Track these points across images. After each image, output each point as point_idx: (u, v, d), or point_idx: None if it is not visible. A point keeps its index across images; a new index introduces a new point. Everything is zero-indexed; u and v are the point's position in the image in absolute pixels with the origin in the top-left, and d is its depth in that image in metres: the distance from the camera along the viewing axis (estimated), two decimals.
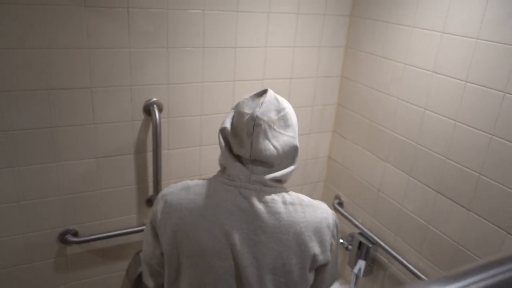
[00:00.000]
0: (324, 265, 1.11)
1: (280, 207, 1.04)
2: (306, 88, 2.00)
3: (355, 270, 2.01)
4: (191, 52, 1.67)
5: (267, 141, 1.03)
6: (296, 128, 1.12)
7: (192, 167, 1.86)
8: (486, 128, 1.39)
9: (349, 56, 2.01)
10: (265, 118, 1.03)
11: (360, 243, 1.96)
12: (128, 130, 1.67)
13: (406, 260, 1.75)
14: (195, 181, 1.12)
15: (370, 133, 1.93)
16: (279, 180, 1.08)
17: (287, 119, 1.08)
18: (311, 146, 2.14)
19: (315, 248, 1.05)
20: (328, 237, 1.08)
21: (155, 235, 1.11)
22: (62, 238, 1.69)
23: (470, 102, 1.44)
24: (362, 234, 1.99)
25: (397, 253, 1.79)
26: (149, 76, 1.63)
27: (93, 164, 1.65)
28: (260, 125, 1.02)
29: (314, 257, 1.06)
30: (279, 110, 1.07)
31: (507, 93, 1.32)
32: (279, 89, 1.92)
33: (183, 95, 1.72)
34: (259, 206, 1.03)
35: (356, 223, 2.02)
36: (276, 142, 1.05)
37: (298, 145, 1.11)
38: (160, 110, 1.68)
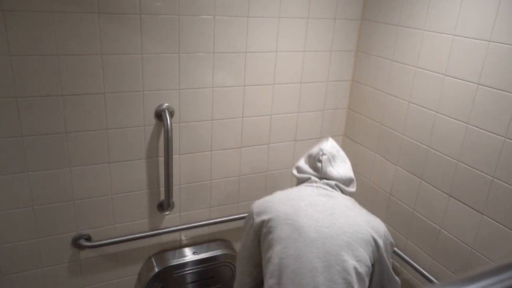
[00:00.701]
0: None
1: (346, 204, 1.40)
2: (316, 92, 2.00)
3: None
4: (202, 58, 1.69)
5: (330, 167, 1.46)
6: (351, 167, 1.53)
7: (203, 172, 1.87)
8: (499, 131, 1.38)
9: (360, 60, 2.01)
10: (329, 151, 1.47)
11: None
12: (140, 135, 1.69)
13: (418, 265, 1.73)
14: (287, 189, 1.49)
15: (381, 136, 1.92)
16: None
17: (344, 157, 1.52)
18: None
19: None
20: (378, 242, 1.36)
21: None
22: (76, 243, 1.70)
23: (483, 105, 1.43)
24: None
25: (409, 257, 1.78)
26: (161, 82, 1.65)
27: (106, 169, 1.67)
28: (325, 154, 1.46)
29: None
30: (338, 150, 1.52)
31: None
32: (289, 94, 1.93)
33: (194, 100, 1.74)
34: (328, 199, 1.40)
35: None
36: (338, 169, 1.46)
37: (353, 177, 1.51)
38: (171, 115, 1.69)
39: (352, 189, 1.50)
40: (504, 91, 1.35)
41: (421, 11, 1.64)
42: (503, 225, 1.40)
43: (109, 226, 1.75)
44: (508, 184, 1.37)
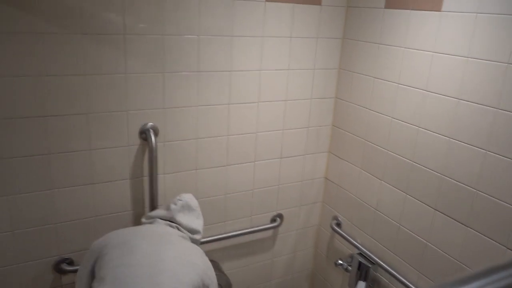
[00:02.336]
0: None
1: None
2: (301, 110, 2.02)
3: None
4: (187, 77, 1.69)
5: (181, 214, 1.58)
6: (202, 225, 1.64)
7: (188, 191, 1.85)
8: (481, 144, 1.41)
9: (343, 78, 2.04)
10: (187, 200, 1.60)
11: (360, 263, 1.95)
12: (124, 155, 1.66)
13: (406, 279, 1.73)
14: None
15: (365, 152, 1.94)
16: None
17: (199, 215, 1.64)
18: (307, 167, 2.15)
19: None
20: None
21: None
22: (57, 267, 1.65)
23: (464, 119, 1.46)
24: (361, 254, 1.98)
25: (397, 272, 1.78)
26: (145, 101, 1.64)
27: (89, 190, 1.63)
28: (182, 200, 1.59)
29: None
30: (196, 206, 1.64)
31: (500, 109, 1.34)
32: (274, 112, 1.94)
33: (179, 119, 1.73)
34: None
35: (355, 243, 2.01)
36: (188, 218, 1.59)
37: (201, 231, 1.62)
38: (156, 135, 1.68)
39: (197, 236, 1.58)
40: (483, 105, 1.39)
41: (401, 29, 1.69)
42: (488, 237, 1.41)
43: None
44: (491, 196, 1.39)
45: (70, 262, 1.67)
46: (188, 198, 1.61)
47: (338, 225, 2.16)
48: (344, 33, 2.00)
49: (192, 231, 1.57)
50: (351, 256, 2.04)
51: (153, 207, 1.70)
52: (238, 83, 1.81)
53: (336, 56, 2.02)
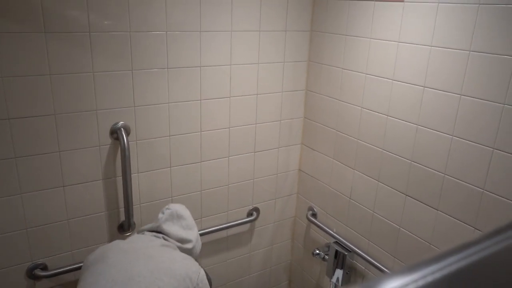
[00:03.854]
0: None
1: None
2: (272, 103, 2.03)
3: (334, 279, 2.02)
4: (156, 73, 1.67)
5: (170, 222, 1.56)
6: (194, 234, 1.60)
7: (163, 190, 1.83)
8: (446, 130, 1.46)
9: (312, 70, 2.07)
10: (176, 209, 1.59)
11: (337, 252, 1.99)
12: (96, 155, 1.63)
13: (382, 265, 1.78)
14: None
15: (337, 143, 1.97)
16: None
17: (188, 226, 1.59)
18: (281, 160, 2.17)
19: None
20: None
21: None
22: (31, 274, 1.61)
23: (430, 106, 1.51)
24: (337, 243, 2.02)
25: (372, 258, 1.82)
26: (115, 100, 1.61)
27: (60, 193, 1.60)
28: (170, 209, 1.57)
29: None
30: (188, 216, 1.62)
31: (463, 95, 1.39)
32: (246, 106, 1.94)
33: (150, 116, 1.71)
34: None
35: (331, 232, 2.05)
36: (176, 228, 1.56)
37: (193, 240, 1.58)
38: (127, 133, 1.65)
39: (188, 246, 1.54)
40: (448, 92, 1.44)
41: (367, 20, 1.72)
42: (457, 219, 1.47)
43: (66, 253, 1.67)
44: (458, 179, 1.44)
45: (44, 267, 1.63)
46: (178, 207, 1.58)
47: (314, 215, 2.19)
48: (312, 25, 2.02)
49: (182, 241, 1.53)
50: (328, 246, 2.07)
51: (128, 207, 1.68)
52: (209, 79, 1.80)
53: (305, 48, 2.04)
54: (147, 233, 1.53)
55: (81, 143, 1.59)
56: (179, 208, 1.58)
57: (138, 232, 1.58)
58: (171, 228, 1.53)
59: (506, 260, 0.35)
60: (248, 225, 2.19)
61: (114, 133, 1.64)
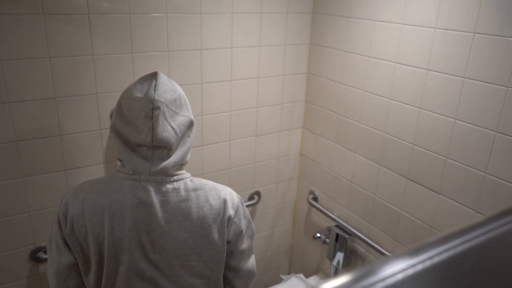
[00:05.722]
0: (234, 242, 1.18)
1: (182, 195, 1.09)
2: (274, 86, 2.01)
3: (334, 262, 2.04)
4: (156, 56, 1.65)
5: (166, 123, 1.05)
6: (189, 106, 1.16)
7: None
8: (449, 113, 1.45)
9: (314, 53, 2.04)
10: (162, 100, 1.04)
11: (337, 235, 2.00)
12: (97, 139, 1.63)
13: (382, 248, 1.79)
14: (97, 179, 1.14)
15: (339, 126, 1.97)
16: (181, 165, 1.13)
17: (181, 99, 1.11)
18: (283, 143, 2.16)
19: (218, 229, 1.13)
20: (231, 216, 1.15)
21: (64, 242, 1.10)
22: (34, 256, 1.62)
23: (433, 89, 1.49)
24: (338, 226, 2.02)
25: (373, 241, 1.83)
26: (115, 83, 1.60)
27: (61, 177, 1.60)
28: (159, 107, 1.03)
29: (220, 237, 1.13)
30: (174, 90, 1.09)
31: (467, 78, 1.37)
32: (247, 89, 1.93)
33: None
34: (160, 197, 1.06)
35: (332, 216, 2.05)
36: (173, 123, 1.07)
37: (193, 119, 1.14)
38: None
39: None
40: (451, 75, 1.42)
41: (370, 2, 1.69)
42: (458, 203, 1.47)
43: None
44: (460, 163, 1.44)
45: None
46: None
47: (315, 199, 2.19)
48: (314, 7, 1.99)
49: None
50: (329, 229, 2.08)
51: None
52: (210, 62, 1.78)
53: (307, 31, 2.02)
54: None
55: (82, 127, 1.58)
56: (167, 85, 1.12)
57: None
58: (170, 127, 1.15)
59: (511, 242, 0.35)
60: (249, 208, 2.20)
61: None
